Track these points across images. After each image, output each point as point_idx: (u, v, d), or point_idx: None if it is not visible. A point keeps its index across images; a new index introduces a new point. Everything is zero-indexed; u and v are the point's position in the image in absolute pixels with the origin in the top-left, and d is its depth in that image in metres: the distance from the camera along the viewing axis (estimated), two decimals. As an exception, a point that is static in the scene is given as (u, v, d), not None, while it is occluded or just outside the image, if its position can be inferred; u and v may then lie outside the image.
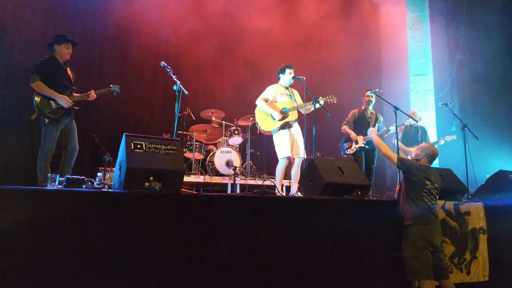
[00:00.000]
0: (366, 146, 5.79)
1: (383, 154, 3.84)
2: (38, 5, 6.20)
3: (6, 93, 5.79)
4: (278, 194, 4.66)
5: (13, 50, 5.95)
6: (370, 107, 5.98)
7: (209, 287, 2.85)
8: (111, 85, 4.77)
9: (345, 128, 6.01)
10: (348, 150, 5.94)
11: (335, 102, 5.03)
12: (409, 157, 3.98)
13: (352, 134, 5.88)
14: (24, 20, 6.09)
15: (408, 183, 3.67)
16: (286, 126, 5.03)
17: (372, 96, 5.87)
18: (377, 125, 5.69)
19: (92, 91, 4.59)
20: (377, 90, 5.73)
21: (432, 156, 3.80)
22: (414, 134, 6.54)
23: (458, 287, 3.75)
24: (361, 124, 5.92)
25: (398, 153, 5.23)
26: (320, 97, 4.94)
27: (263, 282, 3.04)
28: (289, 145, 4.97)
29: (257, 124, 5.25)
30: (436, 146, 6.72)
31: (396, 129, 5.34)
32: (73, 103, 4.43)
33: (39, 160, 4.26)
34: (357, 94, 6.77)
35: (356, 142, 5.83)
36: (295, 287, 3.16)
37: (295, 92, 5.34)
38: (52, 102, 4.31)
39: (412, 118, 6.27)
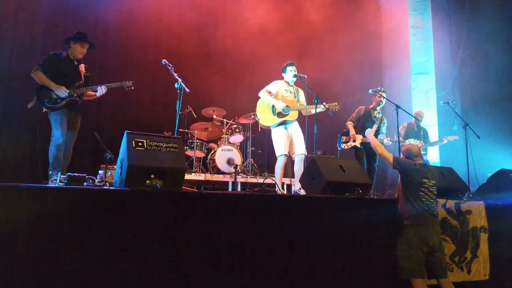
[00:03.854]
0: (361, 147, 5.75)
1: (379, 154, 3.88)
2: (38, 5, 6.20)
3: (6, 93, 5.80)
4: (278, 192, 4.67)
5: (13, 49, 5.96)
6: (379, 108, 5.92)
7: (209, 286, 2.86)
8: (124, 81, 4.58)
9: (349, 124, 5.93)
10: (343, 145, 5.90)
11: (337, 109, 5.02)
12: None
13: (352, 132, 5.81)
14: (25, 20, 6.09)
15: (405, 183, 3.67)
16: (284, 124, 5.03)
17: (382, 97, 5.79)
18: (375, 126, 5.66)
19: (102, 85, 4.46)
20: (378, 88, 5.71)
21: (411, 154, 3.77)
22: (416, 133, 6.55)
23: (458, 286, 3.74)
24: (364, 122, 5.83)
25: (399, 152, 5.23)
26: (324, 103, 4.93)
27: (263, 281, 3.04)
28: (286, 143, 4.98)
29: (257, 117, 5.27)
30: (438, 145, 6.76)
31: (398, 128, 5.33)
32: (73, 94, 4.36)
33: (49, 149, 4.27)
34: (359, 92, 6.75)
35: (354, 141, 5.79)
36: (296, 286, 3.17)
37: (300, 91, 5.33)
38: (52, 92, 4.31)
39: (416, 118, 6.29)
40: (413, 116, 6.29)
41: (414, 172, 3.63)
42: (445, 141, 6.48)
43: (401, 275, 3.47)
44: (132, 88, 4.64)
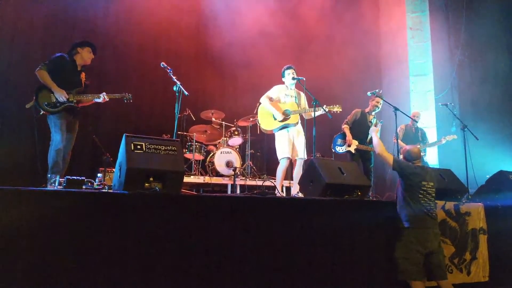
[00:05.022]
0: (354, 153, 5.72)
1: (378, 154, 3.84)
2: (37, 9, 6.20)
3: (7, 94, 5.80)
4: (278, 194, 4.66)
5: (13, 52, 5.95)
6: (374, 113, 5.91)
7: (209, 287, 2.85)
8: (125, 93, 4.68)
9: (345, 127, 5.89)
10: (338, 148, 5.86)
11: (339, 112, 5.00)
12: None
13: (349, 137, 5.76)
14: (25, 23, 6.09)
15: (404, 185, 3.66)
16: (286, 127, 5.04)
17: (379, 103, 5.78)
18: (379, 125, 5.66)
19: (104, 93, 4.54)
20: (376, 90, 5.71)
21: (410, 156, 3.76)
22: (414, 134, 6.56)
23: (458, 287, 3.74)
24: (360, 126, 5.81)
25: (398, 153, 5.24)
26: (325, 105, 4.92)
27: (263, 282, 3.04)
28: (289, 147, 4.98)
29: (258, 122, 5.28)
30: (437, 145, 6.75)
31: (396, 129, 5.33)
32: (73, 100, 4.38)
33: (48, 154, 4.27)
34: (357, 94, 6.75)
35: (349, 145, 5.76)
36: (296, 287, 3.17)
37: (302, 95, 5.31)
38: (52, 95, 4.31)
39: (413, 119, 6.29)
40: (410, 118, 6.30)
41: (413, 175, 3.62)
42: (443, 141, 6.49)
43: (400, 277, 3.48)
44: (131, 101, 4.72)
